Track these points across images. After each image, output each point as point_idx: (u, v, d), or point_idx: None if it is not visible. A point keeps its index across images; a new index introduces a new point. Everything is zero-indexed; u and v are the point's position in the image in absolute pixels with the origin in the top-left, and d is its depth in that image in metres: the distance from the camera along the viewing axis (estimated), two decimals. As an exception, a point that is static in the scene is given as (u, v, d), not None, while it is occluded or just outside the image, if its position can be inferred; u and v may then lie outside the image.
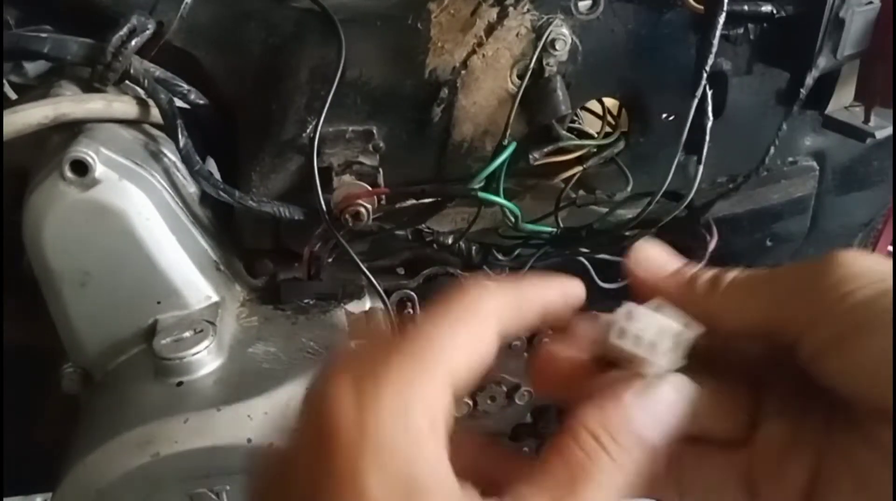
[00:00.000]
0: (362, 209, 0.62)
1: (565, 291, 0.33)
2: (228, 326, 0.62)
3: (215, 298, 0.62)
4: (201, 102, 0.65)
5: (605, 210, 0.69)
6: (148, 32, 0.60)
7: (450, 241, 0.65)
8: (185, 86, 0.64)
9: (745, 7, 0.60)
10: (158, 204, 0.58)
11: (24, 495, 0.98)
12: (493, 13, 0.61)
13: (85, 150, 0.54)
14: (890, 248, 1.02)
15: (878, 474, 0.28)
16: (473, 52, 0.62)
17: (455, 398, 0.27)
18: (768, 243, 0.76)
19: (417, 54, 0.62)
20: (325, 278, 0.65)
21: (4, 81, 0.65)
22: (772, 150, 0.62)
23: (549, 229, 0.67)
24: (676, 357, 0.30)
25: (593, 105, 0.73)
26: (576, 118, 0.75)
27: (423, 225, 0.66)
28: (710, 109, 0.61)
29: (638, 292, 0.33)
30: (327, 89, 0.60)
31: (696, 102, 0.59)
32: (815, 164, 0.73)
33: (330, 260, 0.65)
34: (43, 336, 0.62)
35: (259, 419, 0.55)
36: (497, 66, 0.63)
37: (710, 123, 0.61)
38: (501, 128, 0.63)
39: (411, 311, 0.69)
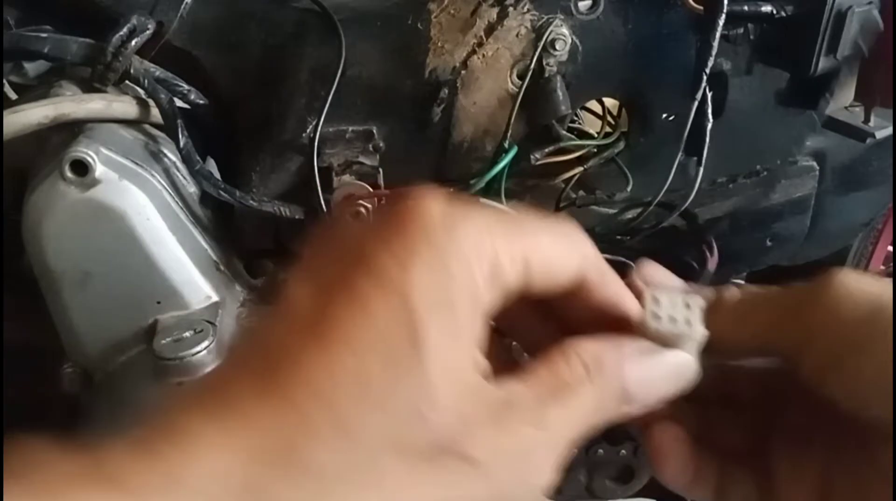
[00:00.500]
0: (362, 209, 0.62)
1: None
2: (228, 326, 0.62)
3: (215, 298, 0.62)
4: (201, 102, 0.65)
5: (604, 210, 0.69)
6: (148, 32, 0.60)
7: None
8: (185, 86, 0.64)
9: (745, 7, 0.60)
10: (158, 204, 0.58)
11: (24, 495, 0.98)
12: (493, 13, 0.61)
13: (85, 150, 0.54)
14: (890, 248, 1.02)
15: (878, 493, 0.29)
16: (473, 52, 0.62)
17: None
18: (768, 243, 0.76)
19: (417, 54, 0.62)
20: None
21: (4, 81, 0.65)
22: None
23: None
24: (702, 326, 0.32)
25: (593, 105, 0.73)
26: (576, 118, 0.75)
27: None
28: (709, 111, 0.61)
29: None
30: (327, 89, 0.60)
31: (695, 104, 0.59)
32: (815, 164, 0.73)
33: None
34: (43, 336, 0.62)
35: (259, 419, 0.55)
36: (497, 66, 0.63)
37: (709, 125, 0.61)
38: (501, 128, 0.63)
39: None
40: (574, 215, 0.68)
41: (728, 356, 0.33)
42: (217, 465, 0.23)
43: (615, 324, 0.32)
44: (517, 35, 0.61)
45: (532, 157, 0.64)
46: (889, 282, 0.30)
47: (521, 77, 0.62)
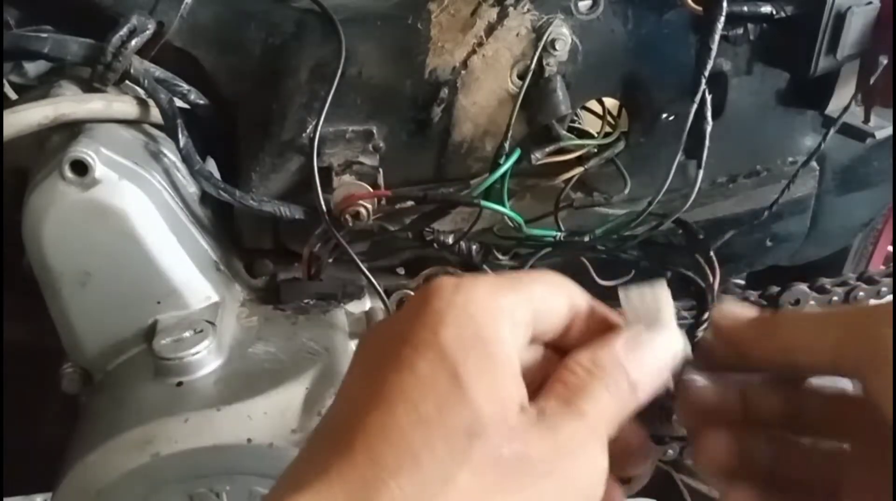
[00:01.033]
0: (362, 209, 0.62)
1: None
2: (228, 326, 0.62)
3: (215, 298, 0.62)
4: (201, 102, 0.65)
5: (604, 211, 0.69)
6: (148, 32, 0.60)
7: (450, 240, 0.65)
8: (185, 86, 0.64)
9: (745, 7, 0.60)
10: (158, 204, 0.58)
11: (25, 495, 0.98)
12: (493, 13, 0.61)
13: (85, 150, 0.54)
14: (890, 248, 1.02)
15: None
16: (473, 52, 0.62)
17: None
18: (768, 243, 0.76)
19: (417, 54, 0.62)
20: (325, 278, 0.65)
21: (4, 81, 0.65)
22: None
23: (552, 232, 0.66)
24: (670, 301, 0.36)
25: (593, 105, 0.73)
26: (576, 118, 0.75)
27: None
28: (709, 113, 0.61)
29: (722, 342, 0.37)
30: (327, 89, 0.60)
31: (695, 106, 0.59)
32: (815, 164, 0.73)
33: (330, 260, 0.65)
34: (43, 336, 0.62)
35: (259, 419, 0.55)
36: (497, 66, 0.63)
37: (709, 128, 0.61)
38: (501, 128, 0.63)
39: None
40: (573, 215, 0.68)
41: (798, 375, 0.36)
42: None
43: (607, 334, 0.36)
44: (517, 35, 0.62)
45: (533, 157, 0.64)
46: None
47: (522, 77, 0.62)
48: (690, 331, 0.61)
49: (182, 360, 0.56)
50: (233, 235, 0.68)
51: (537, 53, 0.61)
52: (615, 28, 0.63)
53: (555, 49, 0.61)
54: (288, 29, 0.62)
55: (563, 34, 0.61)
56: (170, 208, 0.60)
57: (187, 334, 0.58)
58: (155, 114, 0.62)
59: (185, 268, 0.60)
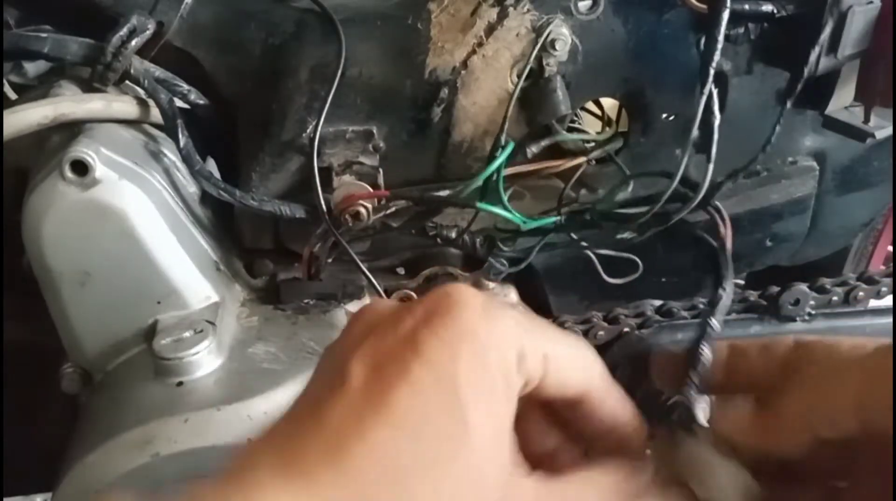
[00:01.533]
0: (362, 209, 0.62)
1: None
2: (228, 326, 0.62)
3: (215, 298, 0.62)
4: (201, 102, 0.65)
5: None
6: (148, 32, 0.60)
7: (454, 235, 0.65)
8: (185, 86, 0.64)
9: (746, 7, 0.60)
10: (158, 204, 0.58)
11: (24, 495, 0.98)
12: (493, 13, 0.61)
13: (85, 150, 0.54)
14: (890, 248, 1.02)
15: None
16: (473, 52, 0.62)
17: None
18: (768, 243, 0.76)
19: (417, 54, 0.62)
20: (325, 278, 0.65)
21: (4, 81, 0.65)
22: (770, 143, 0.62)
23: (552, 219, 0.65)
24: None
25: (592, 107, 0.73)
26: (575, 118, 0.75)
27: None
28: (716, 106, 0.60)
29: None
30: (327, 89, 0.60)
31: (703, 98, 0.58)
32: (815, 164, 0.73)
33: (330, 260, 0.65)
34: (43, 336, 0.62)
35: (259, 419, 0.55)
36: (497, 66, 0.63)
37: (717, 121, 0.61)
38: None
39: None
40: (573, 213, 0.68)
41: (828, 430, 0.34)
42: None
43: (615, 440, 0.36)
44: (517, 35, 0.61)
45: (528, 150, 0.64)
46: None
47: (522, 77, 0.62)
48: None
49: (182, 360, 0.56)
50: (233, 235, 0.68)
51: (537, 53, 0.61)
52: (615, 28, 0.63)
53: (554, 49, 0.61)
54: (288, 29, 0.62)
55: (562, 34, 0.61)
56: (170, 208, 0.60)
57: (187, 334, 0.58)
58: (155, 114, 0.62)
59: (185, 268, 0.60)
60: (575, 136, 0.67)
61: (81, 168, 0.54)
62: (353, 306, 0.67)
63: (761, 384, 0.37)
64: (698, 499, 0.36)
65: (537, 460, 0.34)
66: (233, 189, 0.62)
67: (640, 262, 0.67)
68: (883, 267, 0.95)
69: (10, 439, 0.70)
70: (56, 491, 0.56)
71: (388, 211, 0.64)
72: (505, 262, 0.68)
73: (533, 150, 0.64)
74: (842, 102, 0.64)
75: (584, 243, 0.67)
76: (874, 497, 0.34)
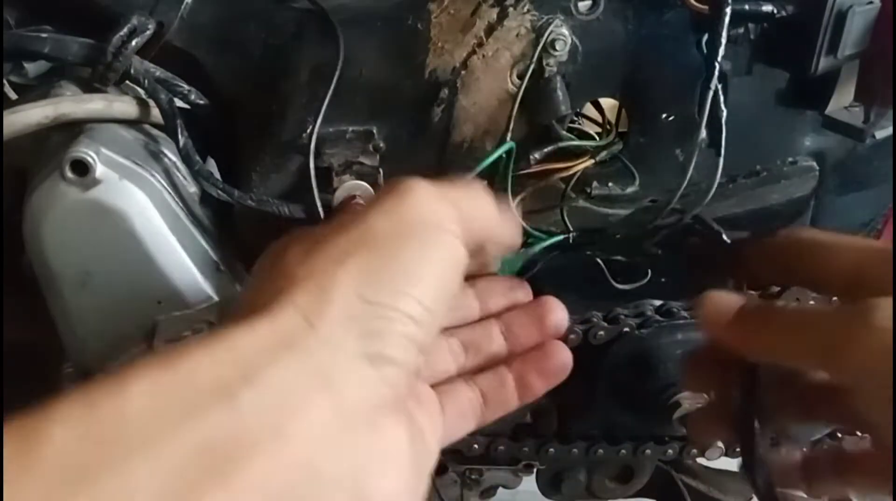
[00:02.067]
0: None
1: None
2: (228, 326, 0.62)
3: (216, 298, 0.62)
4: (201, 102, 0.65)
5: (604, 210, 0.69)
6: (148, 33, 0.60)
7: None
8: (186, 86, 0.64)
9: (746, 7, 0.60)
10: (159, 204, 0.58)
11: (24, 495, 0.98)
12: (493, 13, 0.61)
13: (85, 150, 0.54)
14: (890, 248, 1.01)
15: None
16: (473, 52, 0.62)
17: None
18: (768, 244, 0.76)
19: (417, 54, 0.62)
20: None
21: (4, 81, 0.65)
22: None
23: (559, 237, 0.65)
24: None
25: (592, 112, 0.72)
26: (575, 119, 0.75)
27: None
28: (722, 101, 0.60)
29: (709, 335, 0.41)
30: (327, 90, 0.60)
31: (710, 93, 0.58)
32: (815, 164, 0.73)
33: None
34: (43, 336, 0.62)
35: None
36: (497, 66, 0.63)
37: (724, 115, 0.61)
38: (501, 128, 0.63)
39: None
40: (573, 214, 0.68)
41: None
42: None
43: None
44: (517, 35, 0.62)
45: (532, 157, 0.64)
46: None
47: (522, 77, 0.62)
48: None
49: (182, 360, 0.56)
50: (233, 235, 0.68)
51: (537, 53, 0.61)
52: (615, 28, 0.63)
53: (555, 49, 0.61)
54: (288, 29, 0.62)
55: (563, 34, 0.61)
56: (170, 209, 0.60)
57: (188, 334, 0.58)
58: (155, 114, 0.62)
59: (186, 268, 0.60)
60: (580, 142, 0.66)
61: (82, 168, 0.54)
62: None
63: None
64: None
65: None
66: (232, 189, 0.62)
67: (649, 270, 0.67)
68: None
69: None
70: (56, 491, 0.56)
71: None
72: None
73: (536, 157, 0.64)
74: (842, 102, 0.65)
75: (593, 253, 0.67)
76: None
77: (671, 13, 0.63)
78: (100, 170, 0.55)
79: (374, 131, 0.64)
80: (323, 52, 0.61)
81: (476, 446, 0.73)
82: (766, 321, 0.38)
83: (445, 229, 0.35)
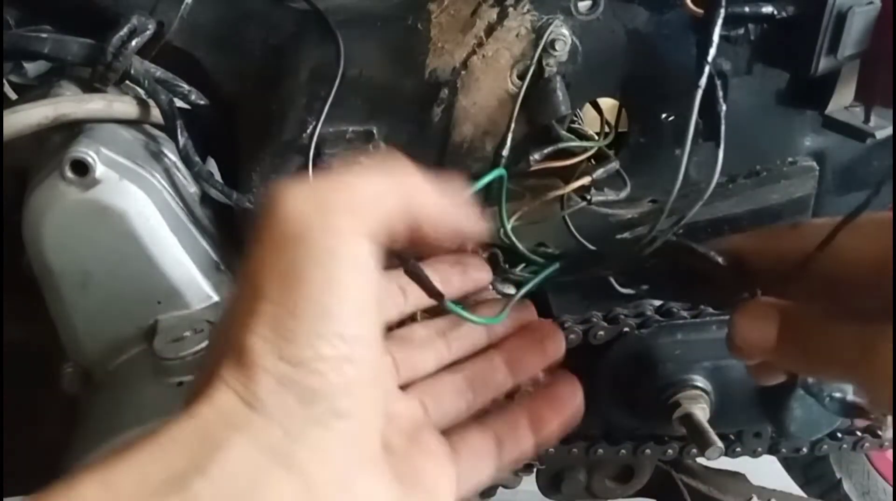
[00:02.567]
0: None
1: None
2: (228, 326, 0.62)
3: (216, 298, 0.62)
4: (202, 102, 0.65)
5: (603, 211, 0.69)
6: (148, 33, 0.60)
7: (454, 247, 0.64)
8: (186, 86, 0.64)
9: (746, 8, 0.60)
10: (159, 204, 0.58)
11: (24, 495, 0.98)
12: (493, 13, 0.61)
13: (85, 150, 0.54)
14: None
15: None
16: (473, 52, 0.62)
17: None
18: (768, 244, 0.76)
19: (417, 55, 0.62)
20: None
21: (4, 81, 0.65)
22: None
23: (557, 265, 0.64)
24: None
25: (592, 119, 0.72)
26: (575, 119, 0.75)
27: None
28: (721, 96, 0.60)
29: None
30: (327, 90, 0.60)
31: (700, 93, 0.58)
32: (815, 164, 0.73)
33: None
34: (43, 336, 0.62)
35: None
36: (497, 66, 0.63)
37: (723, 110, 0.60)
38: (501, 128, 0.63)
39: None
40: (572, 216, 0.68)
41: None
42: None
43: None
44: (517, 35, 0.62)
45: (531, 158, 0.63)
46: None
47: (521, 77, 0.62)
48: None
49: (183, 360, 0.56)
50: (233, 235, 0.68)
51: (537, 54, 0.61)
52: (615, 28, 0.63)
53: (555, 49, 0.61)
54: (288, 29, 0.62)
55: (562, 34, 0.61)
56: (170, 209, 0.60)
57: (188, 334, 0.58)
58: (155, 114, 0.62)
59: (186, 268, 0.60)
60: (580, 143, 0.66)
61: (82, 168, 0.54)
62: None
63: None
64: None
65: None
66: (230, 191, 0.62)
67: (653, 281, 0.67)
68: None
69: (10, 439, 0.70)
70: (56, 491, 0.56)
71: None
72: (512, 286, 0.68)
73: (536, 158, 0.64)
74: (842, 102, 0.64)
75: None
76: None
77: (671, 13, 0.63)
78: (100, 170, 0.55)
79: (374, 131, 0.64)
80: (323, 52, 0.61)
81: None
82: (798, 343, 0.38)
83: (329, 234, 0.30)
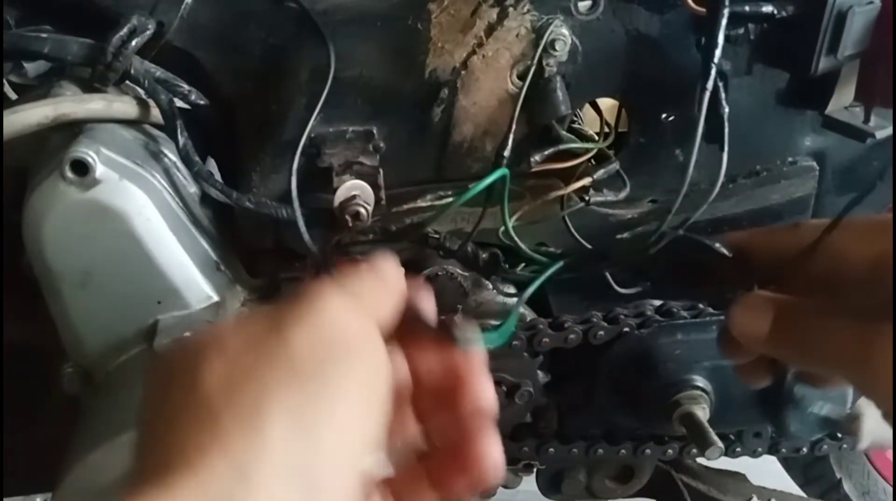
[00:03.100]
0: (362, 210, 0.62)
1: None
2: (228, 326, 0.62)
3: (216, 298, 0.62)
4: (202, 102, 0.65)
5: (603, 211, 0.69)
6: (148, 33, 0.60)
7: (456, 247, 0.64)
8: (186, 86, 0.64)
9: (746, 7, 0.60)
10: (159, 204, 0.58)
11: (24, 495, 0.98)
12: (493, 13, 0.61)
13: (85, 150, 0.54)
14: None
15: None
16: (473, 52, 0.62)
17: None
18: (768, 243, 0.76)
19: (417, 55, 0.62)
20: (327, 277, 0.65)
21: (4, 81, 0.65)
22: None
23: (560, 263, 0.64)
24: None
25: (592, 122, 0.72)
26: (575, 119, 0.75)
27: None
28: (724, 97, 0.60)
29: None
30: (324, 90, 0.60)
31: (707, 94, 0.58)
32: (815, 164, 0.73)
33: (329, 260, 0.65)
34: (43, 336, 0.62)
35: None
36: (497, 66, 0.63)
37: (726, 111, 0.60)
38: (501, 128, 0.63)
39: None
40: (572, 215, 0.68)
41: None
42: None
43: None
44: (517, 35, 0.62)
45: (532, 160, 0.63)
46: None
47: (521, 77, 0.62)
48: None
49: (182, 360, 0.56)
50: (233, 235, 0.68)
51: (537, 54, 0.61)
52: (615, 28, 0.63)
53: (555, 49, 0.61)
54: (288, 29, 0.62)
55: (562, 34, 0.61)
56: (170, 208, 0.60)
57: (188, 334, 0.58)
58: (155, 114, 0.62)
59: (186, 268, 0.60)
60: (581, 144, 0.66)
61: (82, 168, 0.54)
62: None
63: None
64: None
65: None
66: (230, 190, 0.62)
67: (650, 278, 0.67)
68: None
69: (10, 439, 0.70)
70: (56, 491, 0.56)
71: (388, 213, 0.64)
72: (512, 287, 0.68)
73: (536, 159, 0.64)
74: (842, 102, 0.64)
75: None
76: None
77: (671, 13, 0.63)
78: (100, 170, 0.55)
79: (374, 131, 0.64)
80: (323, 52, 0.61)
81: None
82: (793, 335, 0.39)
83: (364, 340, 0.32)
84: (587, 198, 0.67)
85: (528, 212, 0.66)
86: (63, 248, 0.56)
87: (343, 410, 0.30)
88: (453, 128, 0.65)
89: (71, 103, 0.58)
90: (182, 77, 0.64)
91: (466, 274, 0.69)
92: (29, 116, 0.57)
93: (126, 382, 0.60)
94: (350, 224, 0.62)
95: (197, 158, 0.61)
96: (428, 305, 0.40)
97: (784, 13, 0.60)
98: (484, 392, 0.36)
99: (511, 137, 0.61)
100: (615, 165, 0.67)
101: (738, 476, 0.90)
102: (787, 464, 1.00)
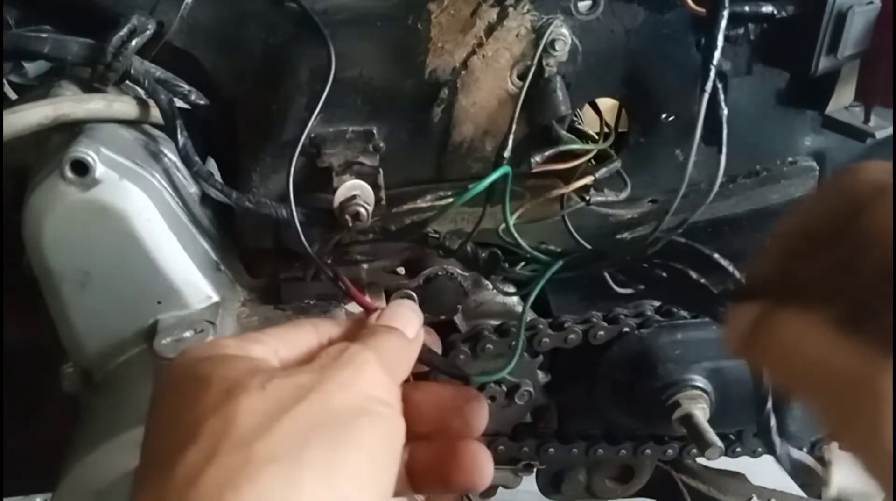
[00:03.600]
0: (362, 210, 0.62)
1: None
2: (229, 326, 0.62)
3: (216, 298, 0.62)
4: (202, 102, 0.65)
5: (603, 211, 0.69)
6: (148, 33, 0.60)
7: (455, 246, 0.64)
8: (186, 86, 0.64)
9: (746, 7, 0.60)
10: (159, 204, 0.58)
11: (24, 495, 0.98)
12: (493, 13, 0.61)
13: (85, 150, 0.54)
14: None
15: None
16: (473, 52, 0.62)
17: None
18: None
19: (417, 54, 0.62)
20: (326, 278, 0.65)
21: (4, 81, 0.65)
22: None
23: (559, 263, 0.64)
24: None
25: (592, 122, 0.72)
26: (575, 119, 0.75)
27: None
28: (722, 100, 0.60)
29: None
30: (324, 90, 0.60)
31: (706, 95, 0.58)
32: (815, 164, 0.73)
33: (329, 260, 0.65)
34: (43, 336, 0.62)
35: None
36: (497, 66, 0.63)
37: (725, 113, 0.60)
38: (501, 128, 0.63)
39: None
40: (571, 215, 0.68)
41: None
42: None
43: None
44: (517, 35, 0.62)
45: (532, 161, 0.63)
46: None
47: (521, 77, 0.62)
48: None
49: (182, 360, 0.56)
50: (233, 235, 0.68)
51: (537, 54, 0.61)
52: (615, 28, 0.63)
53: (555, 49, 0.61)
54: (287, 29, 0.62)
55: (562, 34, 0.61)
56: (170, 208, 0.60)
57: (188, 334, 0.58)
58: (155, 114, 0.62)
59: (186, 268, 0.60)
60: (581, 145, 0.66)
61: (82, 168, 0.54)
62: (353, 306, 0.67)
63: None
64: None
65: None
66: (230, 190, 0.62)
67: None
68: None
69: (10, 439, 0.70)
70: (56, 491, 0.56)
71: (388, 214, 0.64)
72: (511, 286, 0.68)
73: (537, 160, 0.64)
74: (842, 102, 0.65)
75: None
76: None
77: (671, 13, 0.63)
78: (100, 170, 0.55)
79: (374, 131, 0.64)
80: (323, 52, 0.61)
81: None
82: (771, 345, 0.33)
83: (388, 401, 0.37)
84: (588, 197, 0.67)
85: (528, 211, 0.66)
86: (63, 248, 0.56)
87: (367, 461, 0.33)
88: (453, 128, 0.65)
89: (71, 103, 0.58)
90: (182, 77, 0.64)
91: (466, 274, 0.69)
92: (29, 116, 0.57)
93: (126, 382, 0.60)
94: (350, 224, 0.62)
95: (197, 159, 0.61)
96: (436, 345, 0.46)
97: (784, 13, 0.60)
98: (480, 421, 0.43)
99: (511, 137, 0.61)
100: (617, 164, 0.67)
101: (738, 476, 0.90)
102: (787, 464, 1.00)
